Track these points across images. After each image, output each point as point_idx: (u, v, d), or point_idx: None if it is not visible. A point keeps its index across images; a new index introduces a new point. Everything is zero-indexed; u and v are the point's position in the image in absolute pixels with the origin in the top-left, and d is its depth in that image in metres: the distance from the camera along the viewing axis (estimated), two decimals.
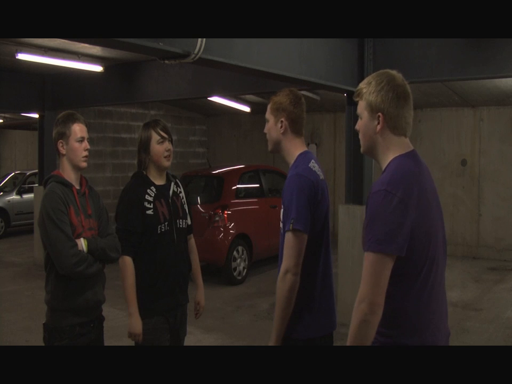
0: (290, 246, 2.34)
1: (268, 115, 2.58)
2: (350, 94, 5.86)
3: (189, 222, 3.15)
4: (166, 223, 2.95)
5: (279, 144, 2.56)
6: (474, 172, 9.76)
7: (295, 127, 2.53)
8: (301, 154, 2.53)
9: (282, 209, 2.46)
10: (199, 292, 3.24)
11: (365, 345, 1.80)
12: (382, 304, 1.80)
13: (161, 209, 2.94)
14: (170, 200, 3.02)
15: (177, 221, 3.03)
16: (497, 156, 9.52)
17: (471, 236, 9.81)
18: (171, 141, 3.03)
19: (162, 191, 3.00)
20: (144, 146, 2.98)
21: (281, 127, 2.52)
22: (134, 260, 2.89)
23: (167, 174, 3.10)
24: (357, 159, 5.90)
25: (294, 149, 2.54)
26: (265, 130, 2.60)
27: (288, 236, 2.35)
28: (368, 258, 1.81)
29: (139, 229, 2.88)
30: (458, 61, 5.30)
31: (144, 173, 3.00)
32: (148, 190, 2.94)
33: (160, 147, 2.96)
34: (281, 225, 2.49)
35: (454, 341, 5.26)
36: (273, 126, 2.55)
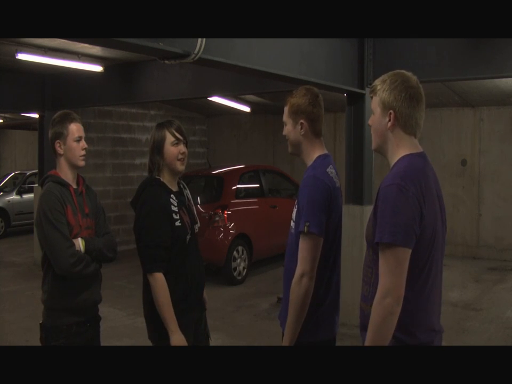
0: (305, 249, 2.32)
1: (286, 118, 2.53)
2: (350, 94, 5.87)
3: (199, 225, 2.99)
4: (190, 232, 2.80)
5: (300, 146, 2.53)
6: (474, 171, 9.76)
7: (315, 127, 2.50)
8: (320, 156, 2.51)
9: (295, 209, 2.44)
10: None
11: (382, 344, 1.83)
12: (403, 295, 1.84)
13: (185, 219, 2.78)
14: (187, 206, 2.89)
15: (194, 226, 2.89)
16: (497, 156, 9.52)
17: (471, 236, 9.81)
18: (186, 143, 2.82)
19: (180, 198, 2.83)
20: (158, 148, 2.76)
21: (301, 128, 2.48)
22: (164, 275, 2.67)
23: None
24: (357, 159, 5.90)
25: (313, 151, 2.52)
26: (284, 133, 2.56)
27: (304, 239, 2.32)
28: (386, 250, 1.84)
29: (169, 243, 2.67)
30: (458, 61, 5.30)
31: (161, 179, 2.77)
32: (171, 200, 2.74)
33: (174, 149, 2.74)
34: (292, 224, 2.48)
35: (454, 341, 5.28)
36: (292, 129, 2.51)
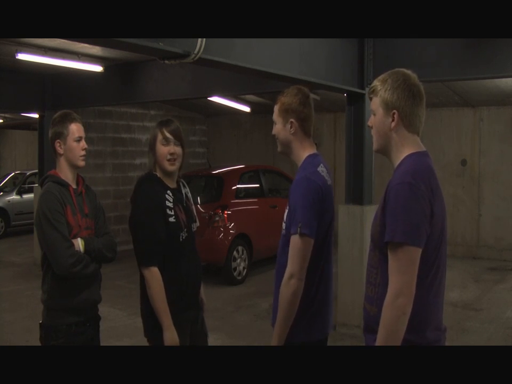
0: (296, 250, 2.31)
1: (276, 117, 2.53)
2: (350, 94, 5.87)
3: (198, 224, 2.98)
4: (185, 230, 2.78)
5: (289, 145, 2.53)
6: (474, 171, 9.76)
7: (305, 127, 2.50)
8: (309, 156, 2.50)
9: (287, 211, 2.44)
10: (201, 289, 3.20)
11: (395, 343, 1.81)
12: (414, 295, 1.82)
13: (181, 216, 2.77)
14: (185, 205, 2.87)
15: (192, 225, 2.88)
16: (497, 155, 9.52)
17: (471, 236, 9.81)
18: (181, 144, 2.79)
19: (178, 195, 2.82)
20: (151, 145, 2.80)
21: (291, 127, 2.48)
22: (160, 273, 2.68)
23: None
24: (357, 159, 5.89)
25: (303, 150, 2.51)
26: (274, 132, 2.56)
27: (295, 240, 2.32)
28: (398, 249, 1.81)
29: (164, 238, 2.67)
30: (458, 61, 5.30)
31: (158, 175, 2.78)
32: (166, 196, 2.73)
33: (164, 148, 2.73)
34: (283, 225, 2.47)
35: (454, 341, 5.28)
36: (282, 128, 2.50)
